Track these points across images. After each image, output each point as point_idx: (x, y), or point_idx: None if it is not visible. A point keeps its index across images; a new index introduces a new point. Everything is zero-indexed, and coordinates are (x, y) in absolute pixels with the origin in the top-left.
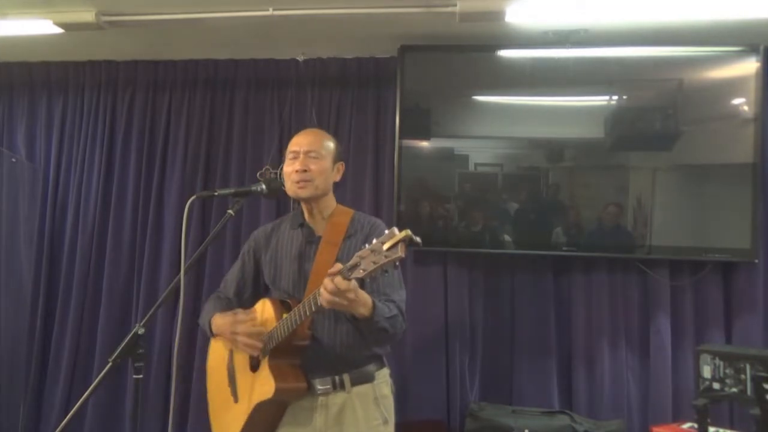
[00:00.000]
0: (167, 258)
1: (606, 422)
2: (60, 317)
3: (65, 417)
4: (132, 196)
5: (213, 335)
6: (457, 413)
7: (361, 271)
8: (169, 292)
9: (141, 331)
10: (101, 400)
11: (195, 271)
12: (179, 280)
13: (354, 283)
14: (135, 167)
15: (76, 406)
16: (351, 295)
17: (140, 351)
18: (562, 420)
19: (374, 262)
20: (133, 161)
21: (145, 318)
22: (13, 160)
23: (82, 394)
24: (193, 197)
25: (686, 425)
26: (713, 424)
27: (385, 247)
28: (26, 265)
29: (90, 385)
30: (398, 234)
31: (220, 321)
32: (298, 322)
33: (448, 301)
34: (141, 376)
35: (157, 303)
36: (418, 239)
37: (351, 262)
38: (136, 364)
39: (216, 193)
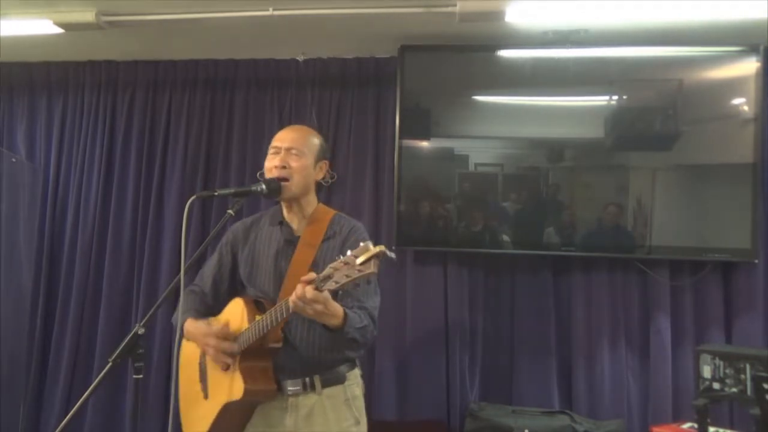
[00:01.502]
0: (167, 258)
1: (606, 422)
2: (60, 317)
3: (65, 417)
4: (132, 196)
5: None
6: (457, 413)
7: (334, 283)
8: (169, 292)
9: (141, 331)
10: (101, 400)
11: (195, 271)
12: (179, 280)
13: (326, 295)
14: (135, 167)
15: (76, 406)
16: (319, 307)
17: (140, 351)
18: (562, 420)
19: (347, 276)
20: (133, 161)
21: (145, 318)
22: (13, 160)
23: (82, 394)
24: (193, 197)
25: (686, 425)
26: (713, 424)
27: (359, 261)
28: (26, 265)
29: (90, 385)
30: (372, 249)
31: (192, 327)
32: (270, 327)
33: (448, 301)
34: (141, 376)
35: (157, 303)
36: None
37: (324, 273)
38: (136, 364)
39: (216, 193)
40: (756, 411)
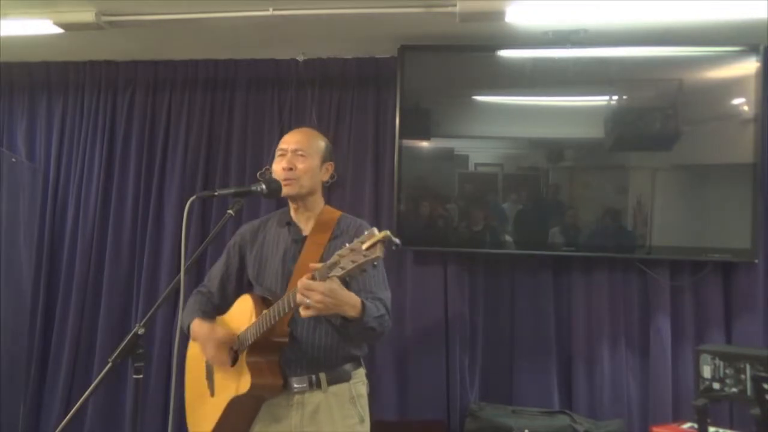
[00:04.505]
0: (167, 258)
1: (606, 422)
2: (60, 317)
3: (65, 417)
4: (132, 196)
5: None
6: (457, 413)
7: (340, 269)
8: (169, 292)
9: (141, 331)
10: (101, 400)
11: (195, 271)
12: (179, 280)
13: (335, 284)
14: (135, 167)
15: (76, 406)
16: (318, 296)
17: (140, 351)
18: (562, 420)
19: (353, 261)
20: (133, 161)
21: (145, 318)
22: (13, 160)
23: (82, 394)
24: (193, 197)
25: (686, 425)
26: (713, 424)
27: (365, 246)
28: (26, 264)
29: (90, 385)
30: (377, 234)
31: (197, 328)
32: (276, 319)
33: (447, 301)
34: (141, 376)
35: (157, 303)
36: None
37: (330, 261)
38: (136, 364)
39: (216, 193)
40: (756, 411)
